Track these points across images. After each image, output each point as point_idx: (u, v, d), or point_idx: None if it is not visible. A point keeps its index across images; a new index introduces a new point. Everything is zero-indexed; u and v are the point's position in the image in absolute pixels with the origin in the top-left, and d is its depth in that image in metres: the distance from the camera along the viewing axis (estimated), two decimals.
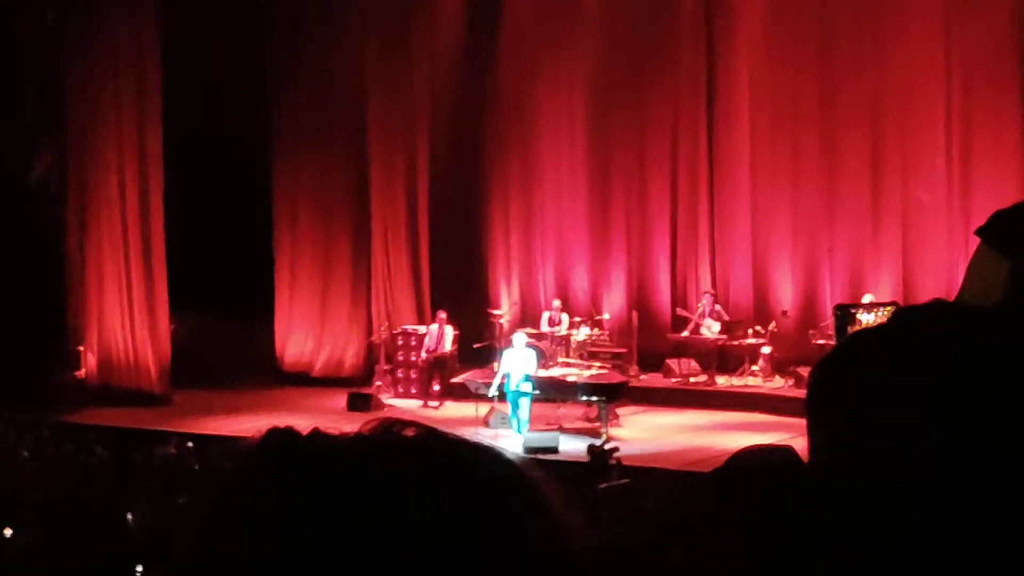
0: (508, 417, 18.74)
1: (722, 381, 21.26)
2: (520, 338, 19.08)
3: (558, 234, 23.73)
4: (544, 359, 20.19)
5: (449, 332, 21.26)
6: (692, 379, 21.49)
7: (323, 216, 23.17)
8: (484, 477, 1.22)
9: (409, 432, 1.25)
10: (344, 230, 23.25)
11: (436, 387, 21.42)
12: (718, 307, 21.99)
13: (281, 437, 1.25)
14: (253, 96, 22.73)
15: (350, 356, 23.51)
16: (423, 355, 21.46)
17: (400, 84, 22.95)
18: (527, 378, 18.52)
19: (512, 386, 18.49)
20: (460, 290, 23.33)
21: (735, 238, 22.43)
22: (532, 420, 18.67)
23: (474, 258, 24.15)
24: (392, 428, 1.26)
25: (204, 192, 22.51)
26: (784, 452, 2.30)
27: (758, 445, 2.42)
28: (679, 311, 22.36)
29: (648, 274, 23.24)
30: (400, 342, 22.34)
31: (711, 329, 21.70)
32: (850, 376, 1.39)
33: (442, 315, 21.38)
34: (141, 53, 21.30)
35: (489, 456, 1.25)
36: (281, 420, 1.32)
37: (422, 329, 21.92)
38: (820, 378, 1.43)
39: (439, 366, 21.32)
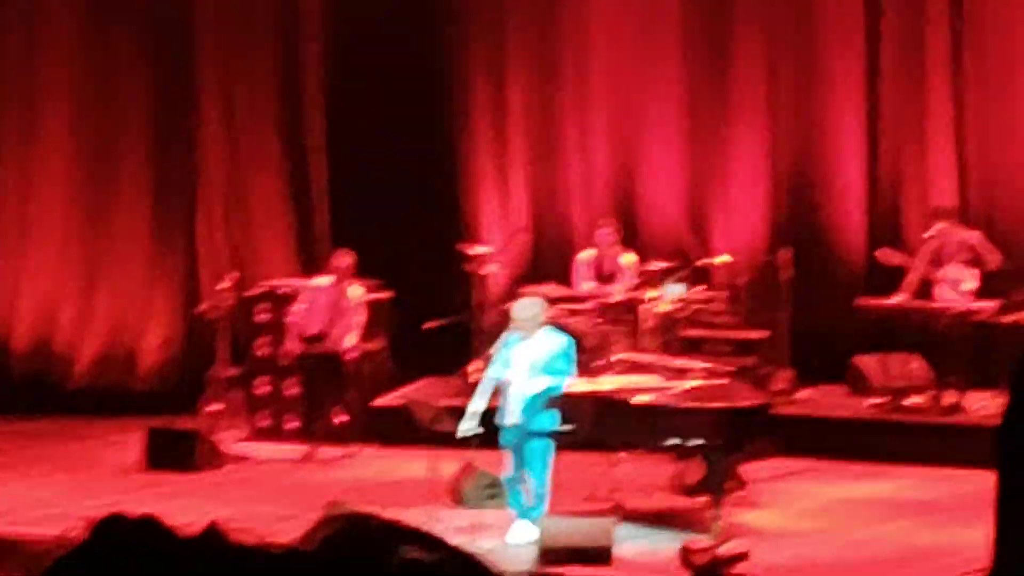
0: (504, 483, 14.27)
1: (981, 404, 16.54)
2: (532, 308, 14.09)
3: (614, 86, 18.59)
4: (585, 353, 15.79)
5: (358, 296, 16.37)
6: (910, 399, 16.79)
7: (86, 71, 18.23)
8: None
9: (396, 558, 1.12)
10: (134, 93, 18.37)
11: (339, 419, 16.57)
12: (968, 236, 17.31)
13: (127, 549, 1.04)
14: None
15: (151, 347, 18.39)
16: (295, 345, 16.76)
17: None
18: (547, 396, 13.96)
19: (513, 416, 13.92)
20: (397, 208, 18.30)
21: (1010, 102, 17.62)
22: (556, 489, 14.21)
23: (428, 140, 18.69)
24: (358, 537, 1.19)
25: None
26: None
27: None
28: (881, 255, 17.14)
29: (811, 169, 18.14)
30: (263, 317, 16.99)
31: (957, 287, 16.85)
32: None
33: (347, 260, 16.36)
34: None
35: None
36: None
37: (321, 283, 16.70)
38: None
39: (334, 371, 16.48)
